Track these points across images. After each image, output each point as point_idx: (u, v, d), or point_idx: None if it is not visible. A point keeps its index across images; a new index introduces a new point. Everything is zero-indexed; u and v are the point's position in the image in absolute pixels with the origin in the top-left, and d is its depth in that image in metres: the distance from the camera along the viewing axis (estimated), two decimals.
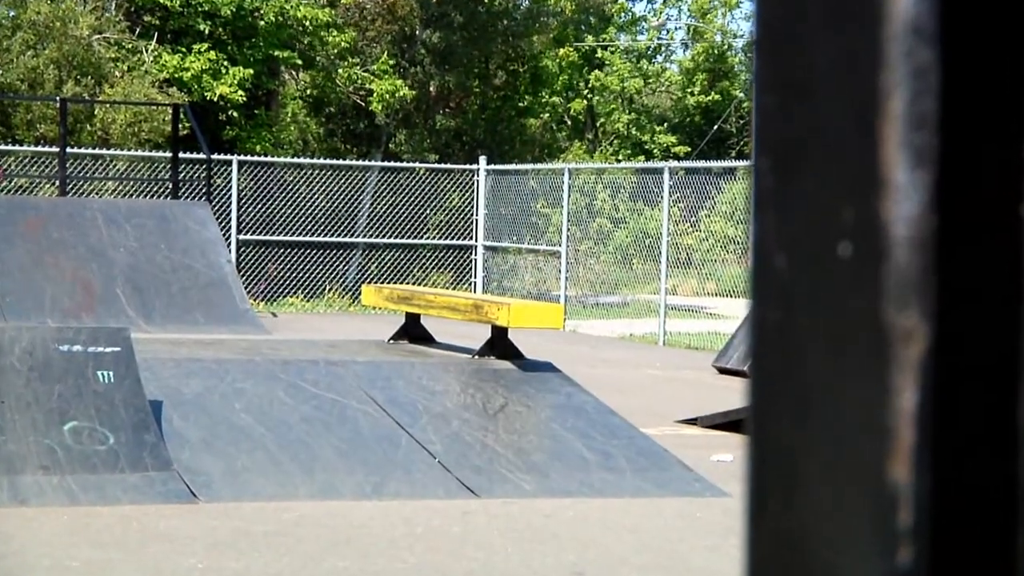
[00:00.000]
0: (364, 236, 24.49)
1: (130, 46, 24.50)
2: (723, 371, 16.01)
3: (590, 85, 41.13)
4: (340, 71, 26.72)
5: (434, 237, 24.90)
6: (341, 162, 24.94)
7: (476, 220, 24.66)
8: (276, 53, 25.27)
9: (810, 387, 0.73)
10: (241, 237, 22.83)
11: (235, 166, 22.64)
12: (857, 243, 0.70)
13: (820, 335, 0.72)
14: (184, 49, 24.69)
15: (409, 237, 24.62)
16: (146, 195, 22.05)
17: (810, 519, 0.72)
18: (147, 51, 24.48)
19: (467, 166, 25.34)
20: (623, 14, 42.63)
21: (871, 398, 0.68)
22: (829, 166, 0.72)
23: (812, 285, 0.73)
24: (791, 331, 0.74)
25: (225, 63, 24.69)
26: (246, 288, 19.69)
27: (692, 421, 12.08)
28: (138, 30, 24.95)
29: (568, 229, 22.82)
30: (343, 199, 24.16)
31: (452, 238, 24.86)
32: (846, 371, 0.70)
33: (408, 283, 23.22)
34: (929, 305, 0.67)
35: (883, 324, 0.68)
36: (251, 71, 24.76)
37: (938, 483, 0.67)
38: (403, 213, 24.54)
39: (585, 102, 41.49)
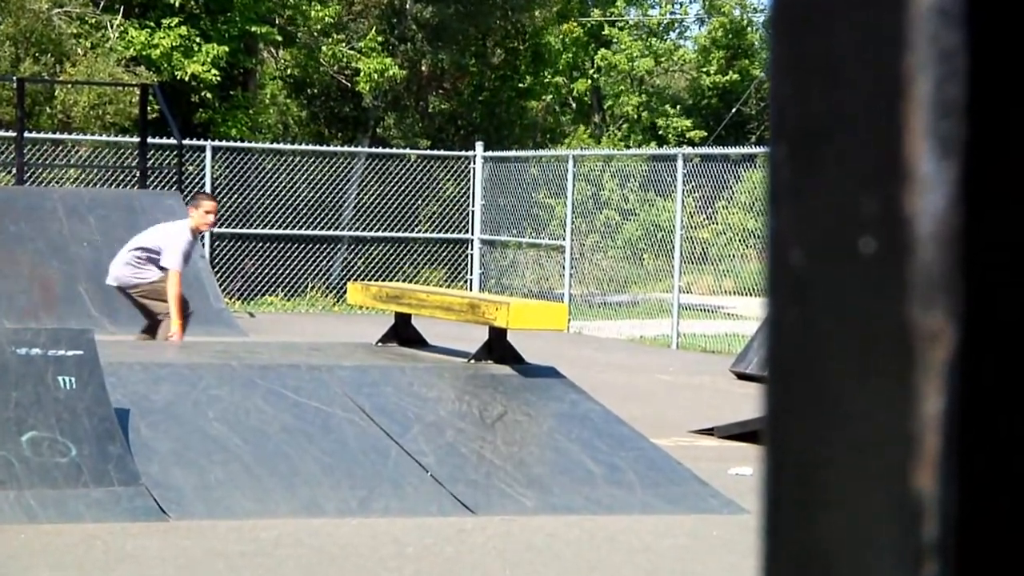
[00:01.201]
0: (350, 229, 24.50)
1: (93, 21, 24.49)
2: (741, 376, 16.01)
3: (596, 64, 41.11)
4: (323, 48, 26.71)
5: (426, 230, 24.90)
6: (325, 148, 24.93)
7: (472, 212, 24.66)
8: (253, 29, 25.25)
9: (830, 392, 0.74)
10: (215, 230, 22.84)
11: (209, 152, 22.64)
12: (879, 238, 0.71)
13: (840, 336, 0.73)
14: (153, 24, 24.68)
15: (399, 230, 24.62)
16: (111, 184, 22.04)
17: (829, 532, 0.74)
18: (112, 26, 24.47)
19: (462, 152, 25.35)
20: None
21: (894, 403, 0.70)
22: (850, 156, 0.73)
23: (832, 283, 0.74)
24: (809, 332, 0.75)
25: (198, 39, 24.67)
26: (221, 286, 19.69)
27: (708, 431, 12.09)
28: (102, 3, 24.94)
29: (573, 222, 22.82)
30: (327, 188, 24.16)
31: (446, 231, 24.86)
32: (868, 375, 0.72)
33: (398, 280, 23.23)
34: (956, 305, 0.69)
35: (907, 325, 0.70)
36: (226, 48, 24.74)
37: (964, 493, 0.68)
38: (392, 204, 24.54)
39: (591, 83, 41.47)
